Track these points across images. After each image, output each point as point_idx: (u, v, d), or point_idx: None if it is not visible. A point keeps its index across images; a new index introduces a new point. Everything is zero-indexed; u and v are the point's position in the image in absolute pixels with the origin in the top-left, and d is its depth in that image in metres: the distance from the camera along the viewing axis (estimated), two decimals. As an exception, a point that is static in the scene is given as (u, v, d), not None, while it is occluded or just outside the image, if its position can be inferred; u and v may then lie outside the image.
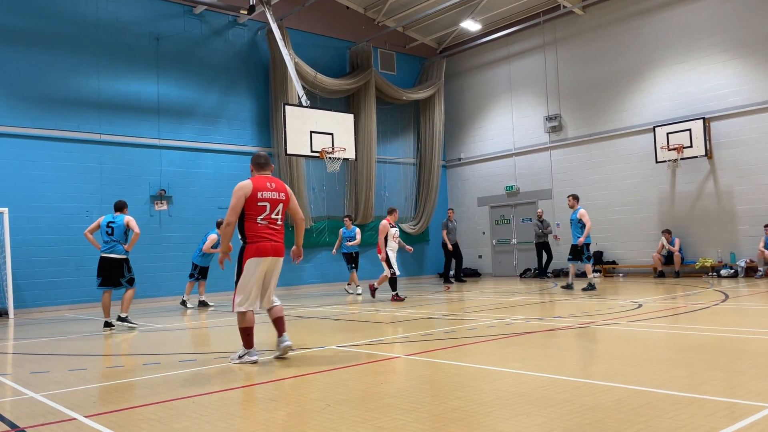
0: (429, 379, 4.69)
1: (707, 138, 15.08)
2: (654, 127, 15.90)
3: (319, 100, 17.25)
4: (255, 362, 5.45)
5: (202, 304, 12.75)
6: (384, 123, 19.67)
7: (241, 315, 5.53)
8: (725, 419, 3.23)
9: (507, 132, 19.88)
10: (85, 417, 3.89)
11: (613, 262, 16.95)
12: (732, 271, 14.39)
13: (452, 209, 18.53)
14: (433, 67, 20.94)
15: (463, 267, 20.77)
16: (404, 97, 19.79)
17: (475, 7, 18.85)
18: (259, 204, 5.55)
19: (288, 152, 13.74)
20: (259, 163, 5.84)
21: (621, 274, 16.77)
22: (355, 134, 14.90)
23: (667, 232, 15.55)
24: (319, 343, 6.68)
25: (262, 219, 5.55)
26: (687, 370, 4.53)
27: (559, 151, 18.47)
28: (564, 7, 17.59)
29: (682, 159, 15.38)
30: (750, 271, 14.30)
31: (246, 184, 5.56)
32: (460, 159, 21.40)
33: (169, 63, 15.63)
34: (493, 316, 8.42)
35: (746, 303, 9.18)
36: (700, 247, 15.45)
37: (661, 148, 15.63)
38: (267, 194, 5.60)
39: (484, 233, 20.68)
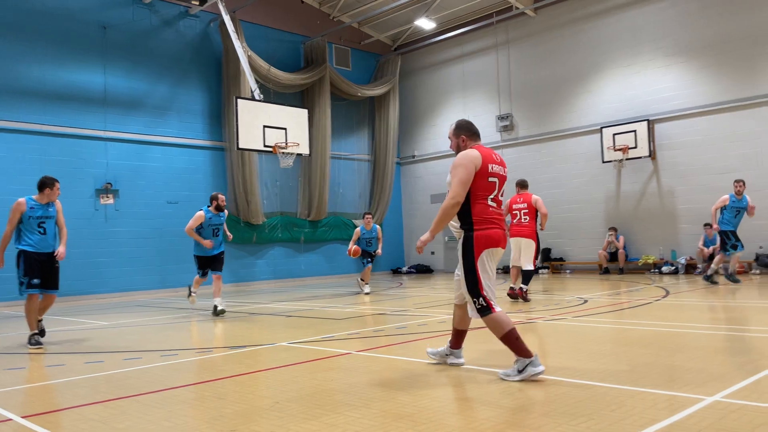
0: (379, 375, 4.69)
1: (651, 139, 15.59)
2: (601, 128, 16.34)
3: (272, 94, 17.04)
4: (540, 373, 4.21)
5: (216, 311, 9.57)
6: (338, 119, 19.60)
7: (495, 320, 4.29)
8: (665, 411, 3.34)
9: (460, 130, 20.07)
10: (23, 418, 3.74)
11: (561, 259, 17.35)
12: (673, 268, 14.93)
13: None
14: (388, 64, 20.97)
15: (416, 263, 20.93)
16: (359, 94, 19.75)
17: (429, 5, 18.95)
18: (490, 180, 4.41)
19: (240, 146, 13.53)
20: (472, 131, 4.64)
21: (568, 271, 17.18)
22: (309, 129, 14.79)
23: (612, 230, 16.02)
24: (269, 339, 6.61)
25: (491, 199, 4.43)
26: (629, 364, 4.67)
27: (511, 150, 18.77)
28: (516, 8, 17.87)
29: (627, 159, 15.86)
30: (690, 268, 14.86)
31: (473, 153, 4.39)
32: (414, 156, 21.51)
33: (117, 53, 15.16)
34: (445, 312, 8.50)
35: (686, 299, 9.53)
36: (643, 245, 15.97)
37: (608, 148, 16.08)
38: (496, 168, 4.47)
39: (436, 230, 20.83)
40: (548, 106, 17.88)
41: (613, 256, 16.00)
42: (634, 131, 15.66)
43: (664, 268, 15.02)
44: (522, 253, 9.65)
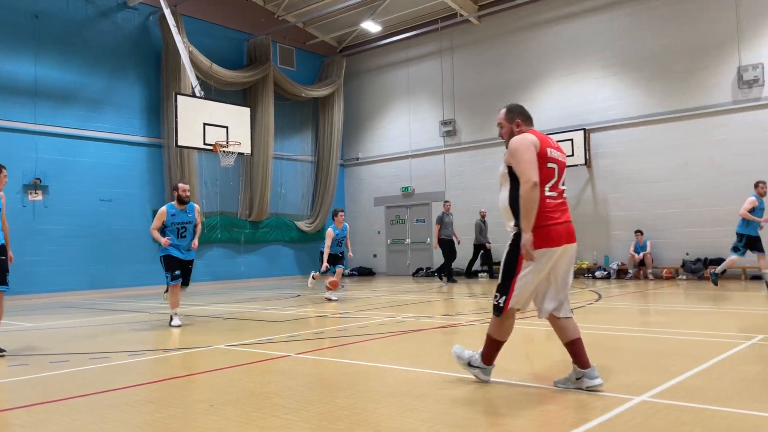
0: (317, 377, 4.65)
1: (587, 148, 16.12)
2: (541, 136, 16.76)
3: (213, 91, 16.67)
4: (487, 382, 4.18)
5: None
6: (282, 119, 19.38)
7: (501, 321, 4.11)
8: (597, 410, 3.44)
9: (404, 134, 20.22)
10: (-66, 426, 3.50)
11: (499, 263, 17.67)
12: (606, 273, 15.46)
13: (449, 201, 16.84)
14: (333, 65, 20.91)
15: (358, 266, 20.92)
16: (303, 94, 19.60)
17: (375, 8, 19.02)
18: (548, 165, 3.92)
19: (179, 144, 13.17)
20: (526, 116, 4.17)
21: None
22: (251, 128, 14.55)
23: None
24: (206, 342, 6.45)
25: (550, 189, 3.92)
26: (563, 366, 4.79)
27: (453, 155, 19.04)
28: (461, 15, 18.16)
29: (567, 167, 16.31)
30: (621, 273, 15.44)
31: (530, 137, 3.94)
32: (357, 158, 21.50)
33: (50, 43, 14.50)
34: (385, 315, 8.51)
35: (617, 303, 9.89)
36: (579, 250, 16.42)
37: (547, 155, 16.51)
38: (555, 153, 4.00)
39: (379, 233, 20.90)
40: (491, 113, 18.21)
41: (549, 261, 16.42)
42: (572, 140, 16.15)
43: (598, 273, 15.54)
44: None
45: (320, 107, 20.71)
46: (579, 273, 16.12)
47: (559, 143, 4.24)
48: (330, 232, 11.15)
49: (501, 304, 4.01)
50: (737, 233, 10.76)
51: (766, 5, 13.92)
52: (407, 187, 20.08)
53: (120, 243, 15.34)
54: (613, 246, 15.88)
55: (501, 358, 5.22)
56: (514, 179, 3.92)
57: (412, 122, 20.03)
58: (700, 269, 14.25)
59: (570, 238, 3.95)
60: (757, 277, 13.28)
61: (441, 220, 15.70)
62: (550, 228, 3.85)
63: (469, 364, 4.21)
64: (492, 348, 4.17)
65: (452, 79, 19.06)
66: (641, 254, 14.85)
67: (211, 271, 17.45)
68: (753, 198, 10.58)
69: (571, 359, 4.00)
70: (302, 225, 19.85)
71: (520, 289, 3.94)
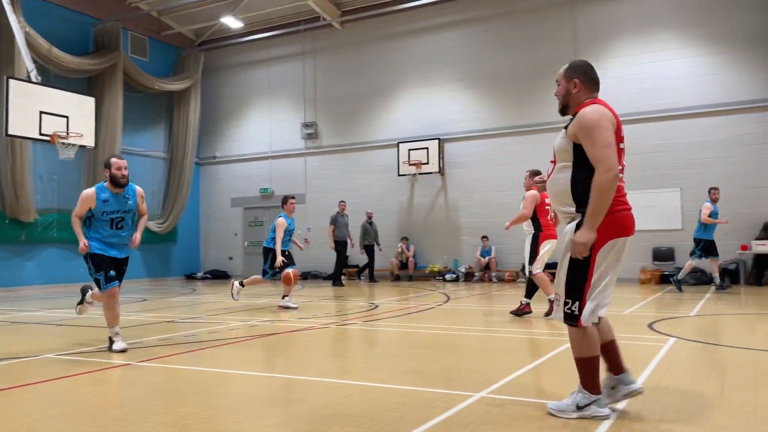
0: (161, 386, 4.40)
1: (441, 157, 16.89)
2: (398, 143, 17.30)
3: (53, 77, 15.25)
4: (608, 417, 3.31)
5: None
6: (132, 111, 18.20)
7: (583, 334, 3.29)
8: (440, 408, 3.58)
9: (264, 134, 19.88)
10: None
11: (356, 266, 17.94)
12: (455, 276, 16.27)
13: (344, 201, 16.04)
14: (190, 58, 20.04)
15: (212, 269, 20.18)
16: (156, 87, 18.57)
17: (236, 4, 18.52)
18: (620, 146, 3.35)
19: (9, 132, 11.92)
20: (591, 77, 3.45)
21: (363, 277, 17.83)
22: (96, 120, 13.53)
23: (404, 239, 17.01)
24: (33, 351, 5.86)
25: (620, 170, 3.31)
26: (412, 366, 4.95)
27: (315, 158, 19.04)
28: (324, 19, 18.24)
29: (420, 174, 17.00)
30: (469, 276, 16.32)
31: (605, 110, 3.29)
32: (215, 157, 20.77)
33: None
34: (239, 319, 8.28)
35: (464, 304, 10.43)
36: (431, 254, 17.19)
37: (403, 162, 17.08)
38: (621, 133, 3.40)
39: (236, 234, 20.34)
40: (352, 118, 18.47)
41: (404, 264, 16.96)
42: (427, 148, 16.83)
43: (448, 276, 16.30)
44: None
45: (175, 102, 19.74)
46: (431, 276, 16.80)
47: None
48: (282, 222, 9.47)
49: (576, 311, 3.27)
50: (695, 238, 11.45)
51: (601, 32, 15.45)
52: (267, 189, 19.74)
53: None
54: (463, 250, 16.75)
55: (354, 360, 5.29)
56: (580, 159, 3.28)
57: (273, 123, 19.74)
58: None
59: (634, 227, 3.37)
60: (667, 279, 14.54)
61: (335, 221, 15.29)
62: (626, 214, 3.30)
63: (578, 407, 3.31)
64: (588, 371, 3.32)
65: (315, 82, 19.07)
66: (487, 258, 15.81)
67: (46, 274, 15.94)
68: (708, 204, 11.36)
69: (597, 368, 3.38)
70: (152, 225, 18.76)
71: (601, 283, 3.27)
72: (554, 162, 3.46)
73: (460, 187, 16.88)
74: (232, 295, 10.03)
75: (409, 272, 16.76)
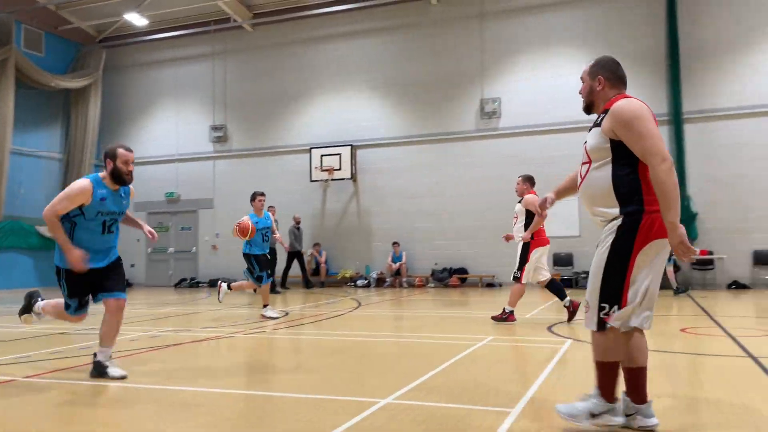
0: (48, 404, 4.13)
1: (353, 163, 16.96)
2: (311, 149, 17.21)
3: (-67, 69, 14.07)
4: (619, 425, 3.16)
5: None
6: (25, 109, 17.10)
7: (613, 337, 3.12)
8: (345, 415, 3.57)
9: (171, 136, 19.20)
10: None
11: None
12: (366, 281, 16.36)
13: (299, 216, 16.29)
14: (91, 55, 19.07)
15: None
16: (52, 84, 17.53)
17: (141, 0, 17.81)
18: None
19: None
20: (617, 74, 3.31)
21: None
22: (-18, 117, 12.56)
23: (316, 245, 16.92)
24: None
25: None
26: (320, 373, 4.92)
27: (224, 162, 18.59)
28: (234, 21, 17.88)
29: (332, 180, 16.98)
30: (380, 282, 16.46)
31: (644, 105, 3.11)
32: (116, 159, 19.81)
33: None
34: (141, 329, 7.92)
35: (375, 310, 10.50)
36: (343, 260, 17.20)
37: (316, 168, 17.01)
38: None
39: (138, 240, 19.47)
40: (263, 122, 18.19)
41: (316, 270, 16.86)
42: (340, 154, 16.86)
43: (359, 282, 16.36)
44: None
45: (73, 100, 18.72)
46: (343, 282, 16.80)
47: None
48: (247, 224, 8.66)
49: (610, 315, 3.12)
50: None
51: (505, 48, 16.08)
52: (172, 193, 19.06)
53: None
54: (374, 256, 16.88)
55: (262, 370, 5.18)
56: (619, 156, 3.11)
57: (180, 125, 19.11)
58: (446, 278, 15.80)
59: None
60: (491, 285, 15.16)
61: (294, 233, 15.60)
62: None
63: (592, 415, 3.16)
64: (610, 377, 3.18)
65: (225, 84, 18.64)
66: (398, 264, 16.02)
67: None
68: None
69: (597, 382, 3.23)
70: (45, 230, 17.62)
71: (643, 289, 3.07)
72: (588, 162, 3.26)
73: (372, 194, 17.01)
74: (218, 297, 9.68)
75: (321, 278, 16.67)
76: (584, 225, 14.78)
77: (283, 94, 17.99)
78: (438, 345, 6.44)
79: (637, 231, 3.02)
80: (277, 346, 6.67)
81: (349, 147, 16.93)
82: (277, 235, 9.28)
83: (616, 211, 3.09)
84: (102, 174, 4.82)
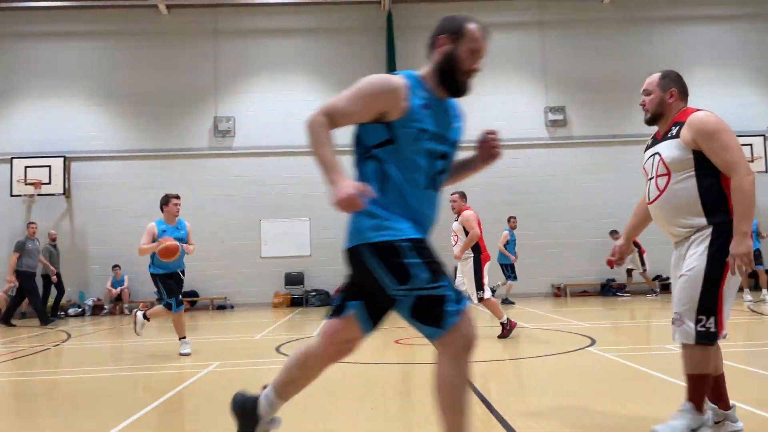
0: None
1: (67, 177, 15.15)
2: (12, 158, 14.95)
3: None
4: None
5: None
6: None
7: (706, 352, 3.05)
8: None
9: None
10: None
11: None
12: (80, 309, 14.64)
13: (34, 223, 12.68)
14: None
15: None
16: None
17: None
18: None
19: None
20: (685, 89, 3.35)
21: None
22: None
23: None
24: None
25: None
26: (13, 422, 4.19)
27: None
28: None
29: (39, 195, 14.94)
30: (98, 309, 14.85)
31: (720, 118, 3.16)
32: None
33: None
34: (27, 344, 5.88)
35: (89, 341, 9.41)
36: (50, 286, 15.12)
37: (18, 181, 14.82)
38: None
39: None
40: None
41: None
42: (50, 166, 14.96)
43: (71, 311, 14.55)
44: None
45: None
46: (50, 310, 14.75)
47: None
48: (153, 231, 7.05)
49: (712, 328, 3.04)
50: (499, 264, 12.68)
51: (239, 66, 16.01)
52: None
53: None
54: (91, 281, 15.23)
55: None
56: (702, 167, 3.12)
57: None
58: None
59: None
60: (222, 307, 14.78)
61: (22, 247, 11.93)
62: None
63: (692, 431, 3.09)
64: (704, 389, 3.14)
65: None
66: (119, 289, 14.70)
67: None
68: (506, 232, 12.78)
69: (689, 395, 3.15)
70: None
71: (729, 300, 3.11)
72: (666, 175, 3.22)
73: (90, 212, 15.36)
74: (135, 329, 7.38)
75: (21, 309, 14.38)
76: (315, 245, 15.28)
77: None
78: (150, 377, 5.99)
79: (729, 240, 3.03)
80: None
81: (62, 158, 15.06)
82: (191, 247, 7.41)
83: (703, 221, 3.12)
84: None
